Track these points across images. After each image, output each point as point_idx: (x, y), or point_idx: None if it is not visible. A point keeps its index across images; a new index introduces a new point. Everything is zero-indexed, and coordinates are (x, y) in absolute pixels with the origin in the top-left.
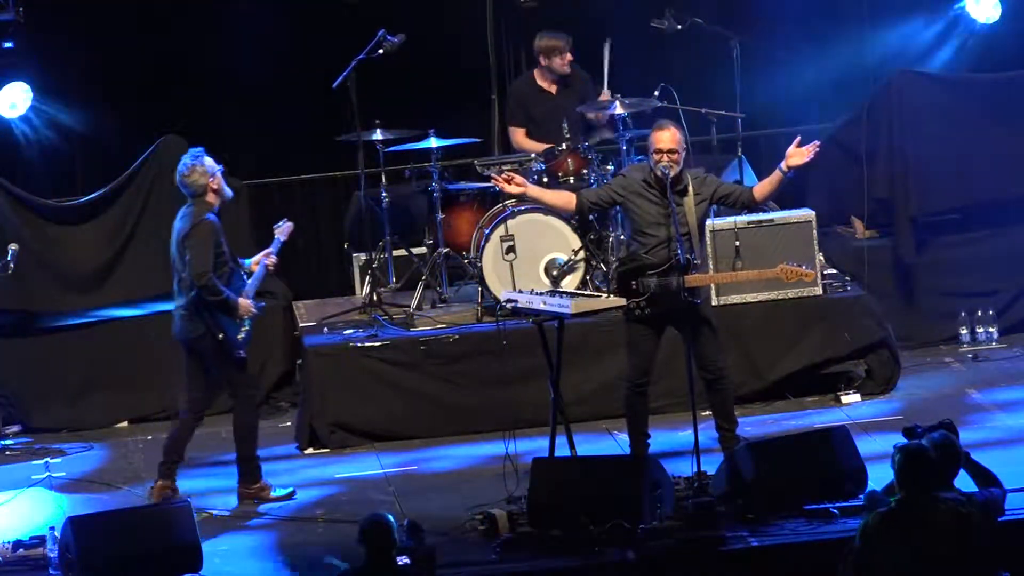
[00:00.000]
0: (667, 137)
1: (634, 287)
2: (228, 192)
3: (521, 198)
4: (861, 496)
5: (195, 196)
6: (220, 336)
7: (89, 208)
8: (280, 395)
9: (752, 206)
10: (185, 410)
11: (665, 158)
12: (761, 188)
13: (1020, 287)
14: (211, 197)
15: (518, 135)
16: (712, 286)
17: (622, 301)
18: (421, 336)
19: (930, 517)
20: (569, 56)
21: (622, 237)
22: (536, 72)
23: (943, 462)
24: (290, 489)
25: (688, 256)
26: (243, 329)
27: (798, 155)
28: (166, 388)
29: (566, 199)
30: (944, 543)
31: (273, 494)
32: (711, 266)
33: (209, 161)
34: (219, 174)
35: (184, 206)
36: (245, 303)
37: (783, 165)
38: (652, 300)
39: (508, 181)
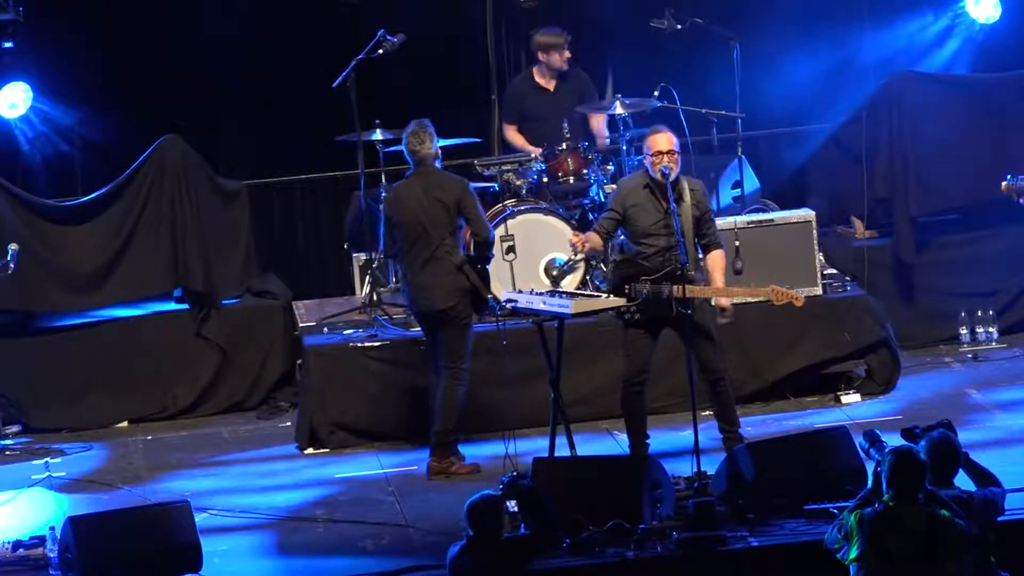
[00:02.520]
0: (664, 139)
1: (627, 291)
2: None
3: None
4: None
5: (424, 164)
6: (489, 296)
7: (89, 208)
8: (280, 395)
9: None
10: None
11: (666, 159)
12: (709, 266)
13: (1020, 287)
14: (439, 164)
15: (509, 131)
16: None
17: (622, 301)
18: (421, 336)
19: (906, 522)
20: (567, 53)
21: (621, 238)
22: (535, 69)
23: (942, 462)
24: (474, 463)
25: (683, 266)
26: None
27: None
28: (166, 388)
29: (597, 241)
30: (914, 549)
31: (457, 468)
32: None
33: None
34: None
35: (413, 176)
36: None
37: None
38: (643, 307)
39: (582, 245)
